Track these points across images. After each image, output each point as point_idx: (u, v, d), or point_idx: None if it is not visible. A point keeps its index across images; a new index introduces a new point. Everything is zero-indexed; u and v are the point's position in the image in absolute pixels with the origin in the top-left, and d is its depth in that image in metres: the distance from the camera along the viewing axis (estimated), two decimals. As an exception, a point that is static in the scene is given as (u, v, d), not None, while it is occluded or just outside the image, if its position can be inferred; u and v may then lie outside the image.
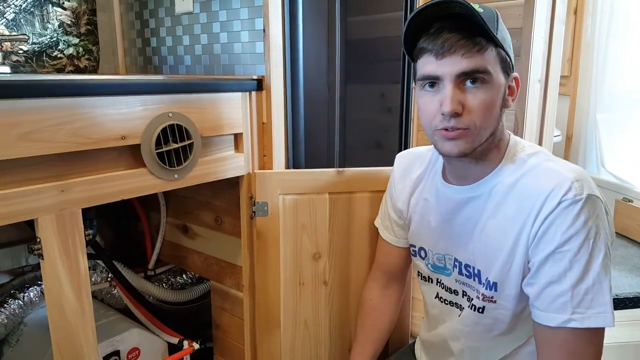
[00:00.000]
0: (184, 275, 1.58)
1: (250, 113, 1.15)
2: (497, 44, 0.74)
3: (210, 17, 1.25)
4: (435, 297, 0.97)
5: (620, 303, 1.65)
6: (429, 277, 0.98)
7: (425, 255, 0.97)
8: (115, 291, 1.43)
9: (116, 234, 1.60)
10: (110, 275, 1.39)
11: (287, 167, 1.22)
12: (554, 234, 0.72)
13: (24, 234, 1.13)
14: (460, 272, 0.89)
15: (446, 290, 0.95)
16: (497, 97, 0.77)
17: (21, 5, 1.29)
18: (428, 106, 0.78)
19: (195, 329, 1.48)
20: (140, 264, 1.52)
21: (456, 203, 0.87)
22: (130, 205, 1.52)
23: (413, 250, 1.00)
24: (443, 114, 0.75)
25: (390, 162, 1.76)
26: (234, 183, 1.19)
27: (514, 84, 0.81)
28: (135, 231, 1.62)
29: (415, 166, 1.00)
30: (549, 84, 1.22)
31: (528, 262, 0.77)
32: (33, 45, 1.32)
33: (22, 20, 1.30)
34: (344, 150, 1.57)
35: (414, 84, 0.83)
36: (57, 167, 0.84)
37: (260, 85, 1.15)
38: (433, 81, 0.76)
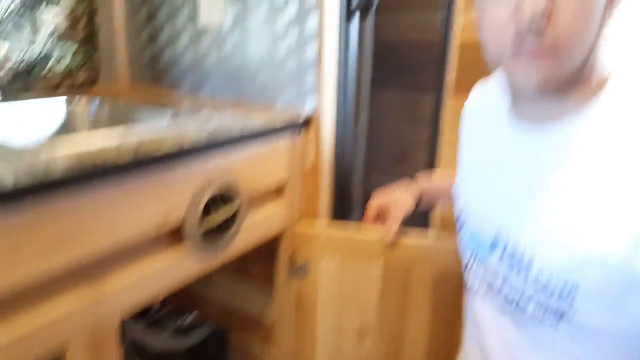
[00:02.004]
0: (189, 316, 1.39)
1: (295, 157, 0.96)
2: None
3: (246, 34, 1.01)
4: (484, 292, 0.64)
5: None
6: (464, 254, 0.68)
7: (464, 222, 0.67)
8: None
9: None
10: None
11: (333, 216, 1.05)
12: None
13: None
14: (501, 257, 0.58)
15: (480, 277, 0.63)
16: (597, 3, 0.48)
17: (8, 7, 0.97)
18: (496, 12, 0.50)
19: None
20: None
21: (522, 152, 0.57)
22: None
23: (456, 209, 0.70)
24: (519, 26, 0.47)
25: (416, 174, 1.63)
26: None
27: None
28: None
29: (494, 105, 0.65)
30: None
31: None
32: (22, 57, 1.02)
33: (9, 25, 0.99)
34: (368, 160, 1.40)
35: None
36: (90, 275, 0.64)
37: (307, 122, 0.96)
38: None
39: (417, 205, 0.90)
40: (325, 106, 0.95)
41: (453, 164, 1.89)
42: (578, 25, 0.47)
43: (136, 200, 0.66)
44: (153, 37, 1.16)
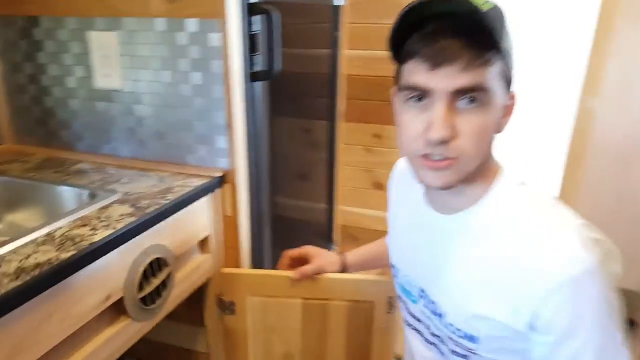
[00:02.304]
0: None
1: (215, 211, 1.07)
2: (503, 55, 0.59)
3: (153, 97, 1.07)
4: (406, 322, 0.84)
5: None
6: (399, 295, 0.84)
7: (397, 274, 0.83)
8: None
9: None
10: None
11: (253, 255, 1.17)
12: (566, 315, 0.59)
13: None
14: (425, 305, 0.75)
15: (411, 316, 0.81)
16: (494, 121, 0.62)
17: None
18: (411, 125, 0.61)
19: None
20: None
21: (433, 230, 0.71)
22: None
23: (390, 260, 0.86)
24: (428, 144, 0.60)
25: (318, 195, 1.79)
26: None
27: (511, 103, 0.65)
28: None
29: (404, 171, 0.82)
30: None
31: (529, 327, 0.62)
32: None
33: None
34: (272, 181, 1.52)
35: (393, 92, 0.67)
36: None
37: (222, 179, 1.06)
38: (421, 95, 0.60)
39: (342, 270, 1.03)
40: (239, 162, 1.06)
41: (348, 182, 2.13)
42: (475, 145, 0.60)
43: (78, 295, 0.73)
44: (39, 97, 1.17)
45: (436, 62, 0.57)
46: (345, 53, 1.68)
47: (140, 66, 1.05)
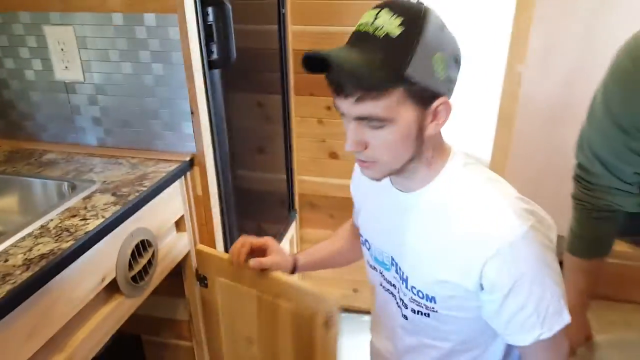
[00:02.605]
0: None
1: (187, 192, 1.15)
2: (408, 80, 0.65)
3: (116, 88, 1.12)
4: (380, 285, 0.94)
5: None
6: (373, 267, 0.94)
7: (370, 247, 0.93)
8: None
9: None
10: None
11: (224, 230, 1.27)
12: (508, 275, 0.70)
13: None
14: (396, 271, 0.85)
15: (387, 282, 0.90)
16: (405, 133, 0.69)
17: None
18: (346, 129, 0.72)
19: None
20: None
21: (397, 207, 0.82)
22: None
23: (361, 238, 0.96)
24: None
25: (277, 167, 1.89)
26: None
27: (441, 107, 0.70)
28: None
29: None
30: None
31: (479, 288, 0.74)
32: None
33: None
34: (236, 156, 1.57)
35: None
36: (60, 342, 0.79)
37: (192, 162, 1.14)
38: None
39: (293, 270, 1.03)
40: (205, 145, 1.14)
41: (305, 152, 2.23)
42: (387, 154, 0.70)
43: (78, 279, 0.82)
44: None
45: (337, 94, 0.67)
46: (292, 29, 1.75)
47: (101, 58, 1.10)
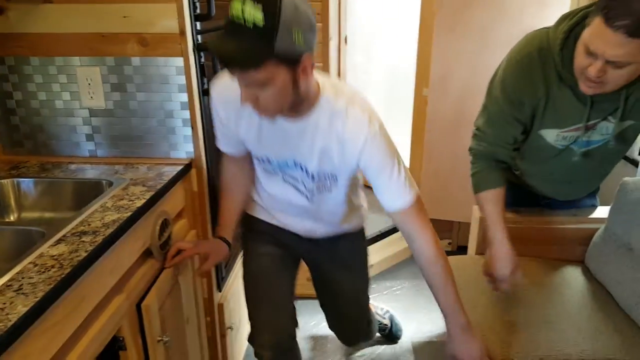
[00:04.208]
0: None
1: (186, 188, 1.52)
2: (278, 53, 0.92)
3: (128, 111, 1.48)
4: (284, 181, 1.30)
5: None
6: (274, 171, 1.30)
7: (270, 162, 1.27)
8: None
9: None
10: None
11: (212, 220, 1.64)
12: (374, 159, 1.14)
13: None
14: (302, 169, 1.23)
15: (293, 178, 1.28)
16: (284, 88, 0.98)
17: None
18: None
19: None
20: None
21: (290, 130, 1.15)
22: None
23: (258, 159, 1.30)
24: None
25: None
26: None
27: (306, 63, 0.98)
28: None
29: (232, 98, 1.12)
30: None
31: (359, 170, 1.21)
32: None
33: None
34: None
35: None
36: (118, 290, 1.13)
37: (191, 164, 1.52)
38: None
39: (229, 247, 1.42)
40: (201, 150, 1.52)
41: None
42: (271, 105, 1.02)
43: (129, 247, 1.16)
44: (29, 117, 1.50)
45: (231, 72, 0.99)
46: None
47: (119, 90, 1.46)
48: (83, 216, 1.12)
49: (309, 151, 1.19)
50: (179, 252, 1.34)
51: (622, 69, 1.05)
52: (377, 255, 2.66)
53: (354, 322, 1.71)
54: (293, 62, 0.97)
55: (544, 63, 1.23)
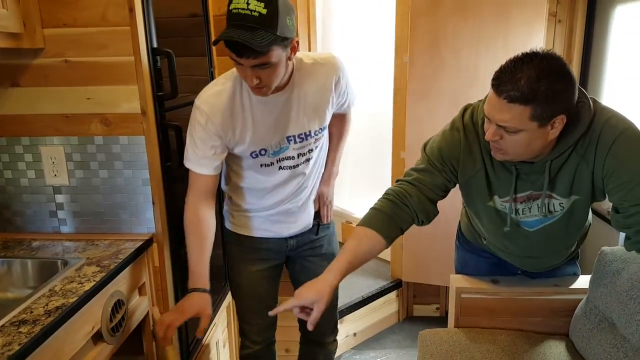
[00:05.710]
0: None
1: (148, 264, 1.51)
2: (279, 38, 1.16)
3: (90, 188, 1.50)
4: (280, 169, 1.45)
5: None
6: (270, 162, 1.44)
7: (266, 151, 1.42)
8: None
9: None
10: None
11: (176, 293, 1.62)
12: (343, 81, 1.45)
13: None
14: (295, 142, 1.43)
15: (288, 159, 1.44)
16: (282, 65, 1.23)
17: None
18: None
19: None
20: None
21: (277, 104, 1.36)
22: None
23: (254, 154, 1.41)
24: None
25: (216, 243, 2.26)
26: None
27: (294, 43, 1.25)
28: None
29: (224, 104, 1.35)
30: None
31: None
32: None
33: None
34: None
35: None
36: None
37: (151, 240, 1.52)
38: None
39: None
40: (161, 226, 1.53)
41: None
42: (273, 81, 1.26)
43: (73, 333, 1.14)
44: None
45: (239, 57, 1.19)
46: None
47: (83, 167, 1.48)
48: (28, 302, 1.11)
49: (303, 113, 1.40)
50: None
51: (516, 134, 1.10)
52: (360, 322, 2.58)
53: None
54: (286, 43, 1.21)
55: (477, 135, 1.26)
